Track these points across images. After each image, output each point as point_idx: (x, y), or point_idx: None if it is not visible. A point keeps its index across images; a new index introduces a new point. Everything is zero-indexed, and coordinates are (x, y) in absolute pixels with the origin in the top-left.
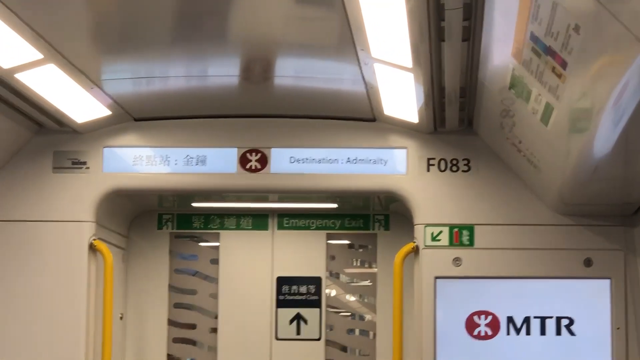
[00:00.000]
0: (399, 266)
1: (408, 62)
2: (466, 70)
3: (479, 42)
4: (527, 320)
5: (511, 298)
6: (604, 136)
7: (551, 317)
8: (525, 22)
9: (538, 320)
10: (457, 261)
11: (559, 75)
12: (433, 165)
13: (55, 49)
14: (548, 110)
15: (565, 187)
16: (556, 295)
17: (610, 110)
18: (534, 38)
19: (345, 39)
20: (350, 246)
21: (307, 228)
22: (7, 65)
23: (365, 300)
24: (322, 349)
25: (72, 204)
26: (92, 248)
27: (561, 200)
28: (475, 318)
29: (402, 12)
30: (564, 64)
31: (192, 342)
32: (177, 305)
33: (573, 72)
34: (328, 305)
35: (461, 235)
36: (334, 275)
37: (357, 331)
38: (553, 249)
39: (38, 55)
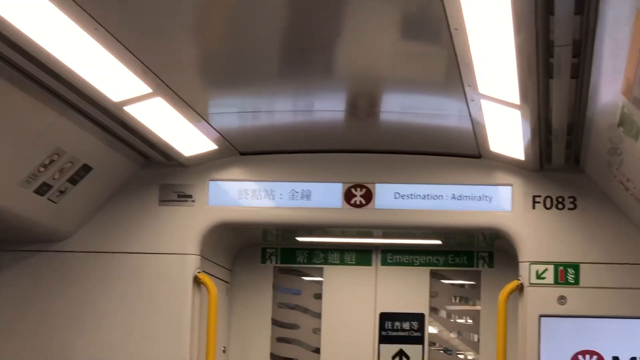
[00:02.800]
0: (503, 304)
1: (516, 98)
2: (574, 107)
3: (587, 78)
4: None
5: (617, 338)
6: None
7: None
8: (637, 59)
9: None
10: (562, 299)
11: None
12: (539, 202)
13: (164, 83)
14: None
15: None
16: None
17: None
18: None
19: (453, 75)
20: (453, 283)
21: (411, 264)
22: (117, 98)
23: (469, 337)
24: None
25: (177, 236)
26: (197, 281)
27: None
28: (580, 357)
29: (511, 48)
30: None
31: None
32: (280, 340)
33: None
34: (430, 342)
35: (566, 273)
36: (436, 312)
37: None
38: None
39: (147, 89)
